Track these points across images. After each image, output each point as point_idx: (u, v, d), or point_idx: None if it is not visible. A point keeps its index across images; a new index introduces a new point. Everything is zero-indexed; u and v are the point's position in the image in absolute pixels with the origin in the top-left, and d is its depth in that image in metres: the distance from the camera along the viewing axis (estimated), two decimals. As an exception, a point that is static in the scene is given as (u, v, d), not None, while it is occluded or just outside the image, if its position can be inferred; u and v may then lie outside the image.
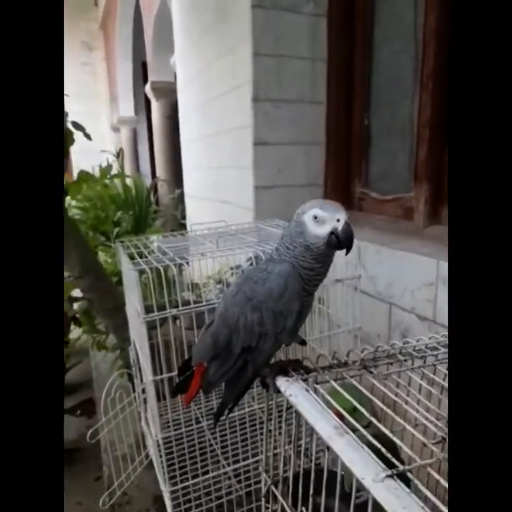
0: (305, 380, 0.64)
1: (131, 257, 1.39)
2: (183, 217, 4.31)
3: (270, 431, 0.74)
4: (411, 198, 1.79)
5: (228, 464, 1.37)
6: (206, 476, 1.33)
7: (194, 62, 2.83)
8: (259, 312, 0.68)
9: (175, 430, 1.30)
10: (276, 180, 2.14)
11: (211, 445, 1.46)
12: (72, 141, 2.06)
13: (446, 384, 0.66)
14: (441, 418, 0.59)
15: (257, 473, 1.41)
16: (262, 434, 1.47)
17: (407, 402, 0.59)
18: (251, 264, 1.48)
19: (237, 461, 1.36)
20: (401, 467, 0.44)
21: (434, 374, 0.74)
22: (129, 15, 6.39)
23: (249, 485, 1.42)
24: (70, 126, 2.10)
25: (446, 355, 0.76)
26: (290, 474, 0.65)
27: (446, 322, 1.30)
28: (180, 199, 4.39)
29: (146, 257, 1.36)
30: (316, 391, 0.62)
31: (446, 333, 0.80)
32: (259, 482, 1.47)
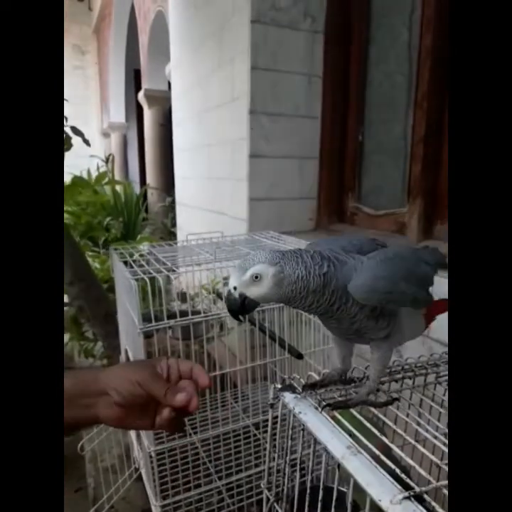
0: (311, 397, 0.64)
1: (126, 264, 1.38)
2: (173, 225, 4.30)
3: (274, 446, 0.74)
4: (404, 214, 1.82)
5: (220, 478, 1.35)
6: (198, 490, 1.31)
7: (191, 71, 2.85)
8: None
9: (168, 442, 1.28)
10: (270, 192, 2.15)
11: (203, 459, 1.44)
12: (70, 146, 2.03)
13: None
14: (445, 434, 0.60)
15: (250, 488, 1.40)
16: (256, 447, 1.46)
17: (416, 422, 0.60)
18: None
19: (230, 475, 1.35)
20: (417, 489, 0.44)
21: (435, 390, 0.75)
22: (124, 22, 6.40)
23: (242, 500, 1.41)
24: (68, 130, 2.06)
25: (446, 372, 0.77)
26: (296, 491, 0.65)
27: (442, 338, 1.32)
28: (171, 207, 4.38)
29: (142, 265, 1.35)
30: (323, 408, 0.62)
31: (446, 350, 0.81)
32: (251, 497, 1.46)
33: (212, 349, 1.83)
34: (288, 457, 0.68)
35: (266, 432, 1.54)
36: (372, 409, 0.62)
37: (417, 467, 0.49)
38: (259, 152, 2.12)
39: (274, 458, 0.73)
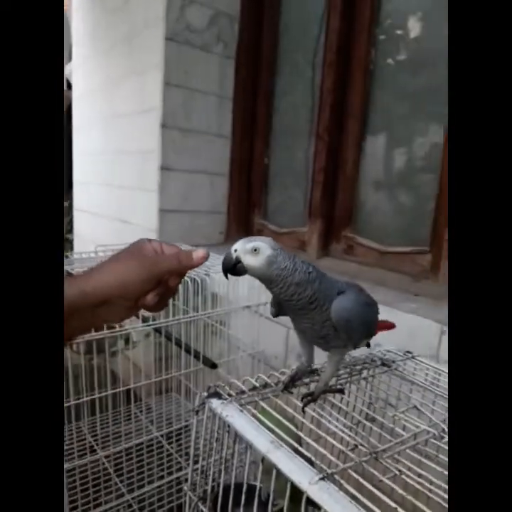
0: (235, 401, 0.71)
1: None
2: (69, 230, 4.04)
3: (197, 449, 0.79)
4: (305, 233, 2.00)
5: (131, 491, 1.34)
6: (109, 505, 1.29)
7: (98, 73, 2.75)
8: None
9: (78, 459, 1.24)
10: (181, 205, 2.19)
11: (112, 474, 1.41)
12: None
13: (352, 400, 0.80)
14: (348, 427, 0.72)
15: (161, 498, 1.40)
16: (159, 459, 1.47)
17: (322, 417, 0.70)
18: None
19: (142, 487, 1.34)
20: (329, 471, 0.54)
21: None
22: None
23: (153, 510, 1.41)
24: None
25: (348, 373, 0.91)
26: (221, 489, 0.71)
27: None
28: (67, 212, 4.11)
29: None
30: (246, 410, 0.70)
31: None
32: (162, 506, 1.47)
33: (116, 363, 1.80)
34: (213, 458, 0.74)
35: (176, 442, 1.57)
36: (290, 409, 0.72)
37: (328, 454, 0.59)
38: (170, 165, 2.15)
39: (197, 461, 0.79)
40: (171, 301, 1.55)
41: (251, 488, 0.75)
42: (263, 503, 0.75)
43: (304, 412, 0.74)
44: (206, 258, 0.63)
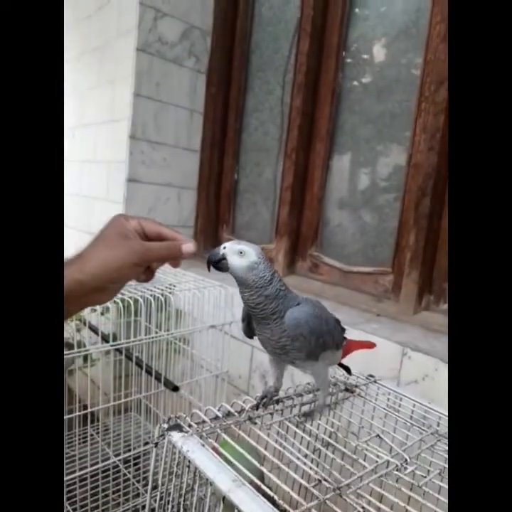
0: (199, 434, 0.69)
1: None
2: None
3: (155, 480, 0.76)
4: (272, 249, 2.01)
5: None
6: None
7: (69, 82, 2.67)
8: None
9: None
10: (148, 217, 2.15)
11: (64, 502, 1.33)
12: None
13: (315, 430, 0.79)
14: (310, 459, 0.71)
15: (116, 528, 1.34)
16: (116, 485, 1.41)
17: (285, 448, 0.69)
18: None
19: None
20: (291, 511, 0.53)
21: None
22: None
23: (105, 542, 1.34)
24: None
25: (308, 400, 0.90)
26: (179, 527, 0.68)
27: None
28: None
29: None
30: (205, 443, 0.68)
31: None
32: (118, 537, 1.41)
33: (74, 382, 1.72)
34: (171, 493, 0.71)
35: (134, 466, 1.51)
36: (252, 441, 0.70)
37: (291, 492, 0.58)
38: (138, 177, 2.11)
39: (149, 498, 0.75)
40: (132, 317, 1.51)
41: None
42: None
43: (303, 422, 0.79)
44: (194, 253, 0.65)
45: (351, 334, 0.99)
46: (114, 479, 1.39)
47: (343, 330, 0.93)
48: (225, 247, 0.75)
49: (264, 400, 0.82)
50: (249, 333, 0.85)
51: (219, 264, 0.75)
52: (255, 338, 0.85)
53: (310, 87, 1.84)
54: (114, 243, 0.59)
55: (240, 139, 2.24)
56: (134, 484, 1.43)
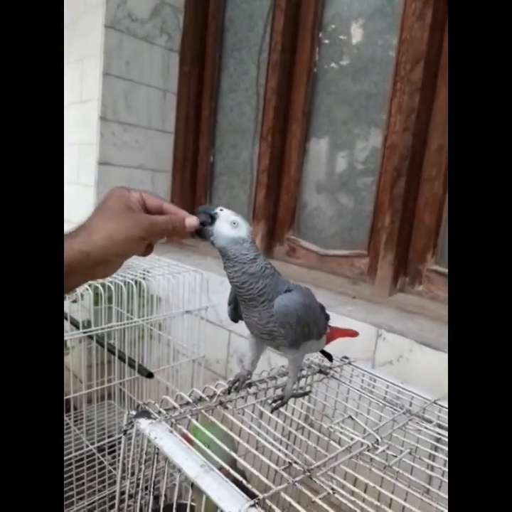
0: (167, 420, 0.67)
1: None
2: None
3: (124, 472, 0.75)
4: (249, 234, 1.98)
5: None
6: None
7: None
8: None
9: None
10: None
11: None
12: None
13: (289, 413, 0.78)
14: (284, 443, 0.70)
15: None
16: (91, 473, 1.39)
17: (259, 434, 0.68)
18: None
19: (71, 505, 1.26)
20: (260, 496, 0.52)
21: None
22: None
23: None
24: None
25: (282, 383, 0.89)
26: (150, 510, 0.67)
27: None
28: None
29: None
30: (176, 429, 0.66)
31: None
32: (94, 525, 1.39)
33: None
34: (142, 481, 0.69)
35: (109, 454, 1.49)
36: (223, 426, 0.69)
37: (260, 476, 0.57)
38: (109, 160, 2.04)
39: (127, 484, 0.74)
40: (106, 304, 1.47)
41: (181, 507, 0.71)
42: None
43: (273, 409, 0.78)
44: (196, 227, 0.66)
45: (327, 317, 0.98)
46: (89, 468, 1.37)
47: (328, 318, 0.91)
48: (221, 210, 0.71)
49: (236, 384, 0.80)
50: (235, 316, 0.82)
51: (203, 230, 0.70)
52: (239, 323, 0.83)
53: (285, 67, 1.80)
54: (120, 216, 0.58)
55: (215, 120, 2.19)
56: (110, 472, 1.41)
